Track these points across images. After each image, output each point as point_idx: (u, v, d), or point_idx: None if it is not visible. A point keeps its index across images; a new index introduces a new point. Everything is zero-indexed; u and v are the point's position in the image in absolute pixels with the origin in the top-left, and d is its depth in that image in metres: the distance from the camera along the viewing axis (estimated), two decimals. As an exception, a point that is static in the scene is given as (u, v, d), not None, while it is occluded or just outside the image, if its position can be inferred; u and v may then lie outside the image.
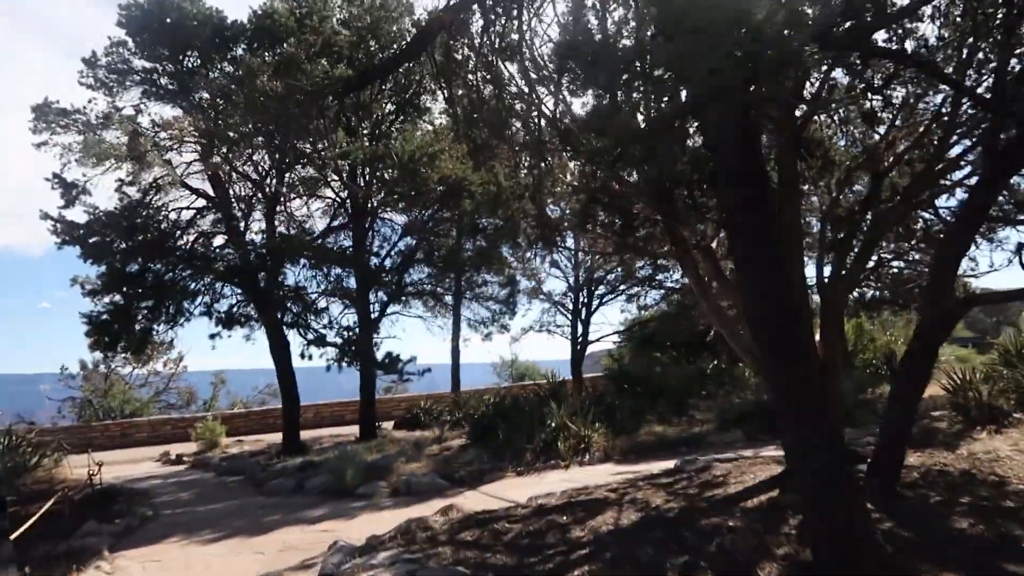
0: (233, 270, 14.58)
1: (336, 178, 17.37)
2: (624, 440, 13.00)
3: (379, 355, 15.30)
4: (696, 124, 7.12)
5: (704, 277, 9.48)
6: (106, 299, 14.51)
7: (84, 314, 14.80)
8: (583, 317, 23.08)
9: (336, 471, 11.69)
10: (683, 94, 6.36)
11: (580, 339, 23.06)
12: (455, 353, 22.37)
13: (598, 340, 24.35)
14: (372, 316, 17.27)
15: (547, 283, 24.86)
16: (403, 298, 17.84)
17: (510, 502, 9.36)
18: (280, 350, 16.31)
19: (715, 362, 24.54)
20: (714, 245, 9.66)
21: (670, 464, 11.06)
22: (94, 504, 12.54)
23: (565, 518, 7.60)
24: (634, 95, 6.99)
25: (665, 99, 6.83)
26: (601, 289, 23.16)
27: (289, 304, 15.34)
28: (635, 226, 9.39)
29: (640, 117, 7.36)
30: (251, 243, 15.24)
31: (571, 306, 23.14)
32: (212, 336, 15.43)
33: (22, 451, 15.85)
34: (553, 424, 12.87)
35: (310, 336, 15.55)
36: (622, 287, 22.87)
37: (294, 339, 15.97)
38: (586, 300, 22.95)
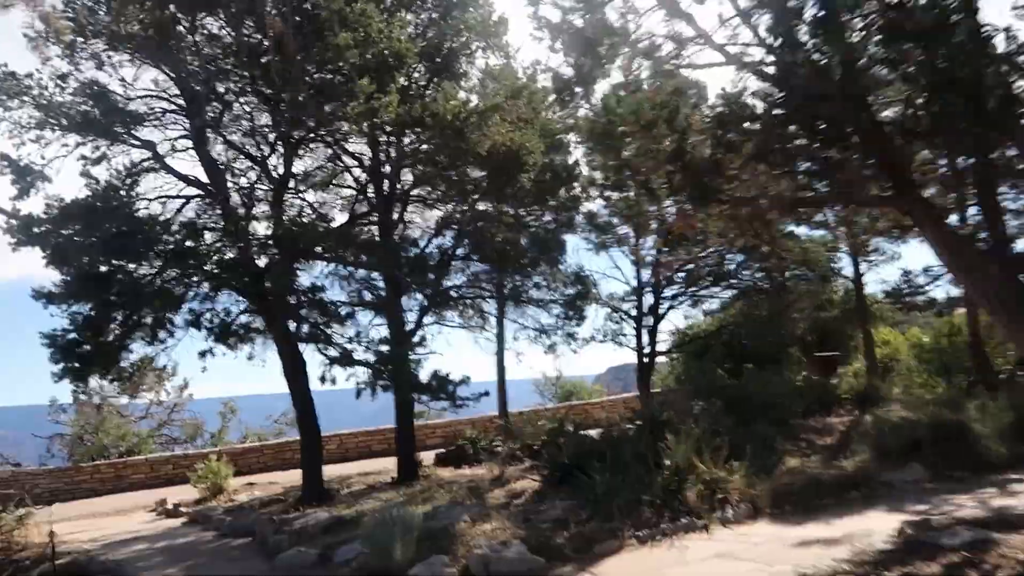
0: (230, 268, 11.16)
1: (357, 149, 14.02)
2: (765, 483, 9.43)
3: (422, 375, 11.85)
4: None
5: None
6: (71, 311, 11.14)
7: (45, 334, 11.45)
8: (649, 324, 19.53)
9: (378, 541, 8.17)
10: None
11: (647, 349, 19.50)
12: (500, 370, 18.85)
13: (671, 351, 20.82)
14: (406, 327, 13.79)
15: (605, 285, 21.15)
16: (443, 304, 14.37)
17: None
18: (294, 372, 12.88)
19: (803, 373, 20.94)
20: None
21: (871, 524, 7.55)
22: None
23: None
24: None
25: None
26: (669, 291, 19.60)
27: (304, 313, 11.93)
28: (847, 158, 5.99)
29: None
30: (254, 236, 11.81)
31: (635, 311, 19.58)
32: (203, 354, 12.02)
33: (-24, 508, 12.54)
34: (670, 463, 9.32)
35: (332, 353, 12.10)
36: (692, 288, 19.32)
37: (312, 358, 12.45)
38: (653, 303, 19.39)
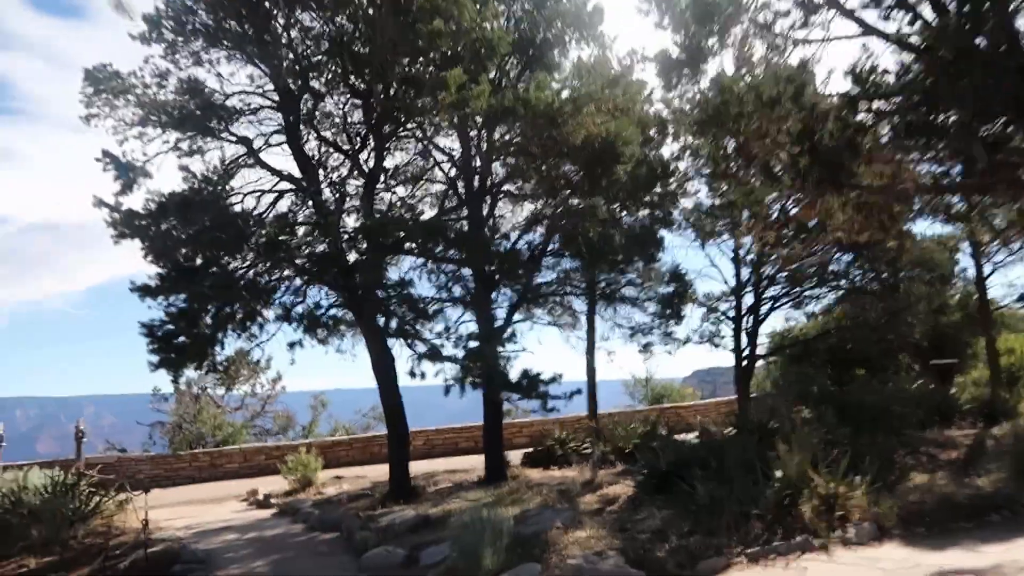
0: (321, 262, 11.04)
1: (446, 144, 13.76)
2: (889, 501, 8.52)
3: (512, 373, 11.41)
4: None
5: None
6: (167, 303, 11.29)
7: (143, 324, 11.64)
8: (749, 325, 18.49)
9: (466, 545, 7.79)
10: None
11: (745, 352, 18.47)
12: (590, 370, 18.23)
13: (771, 354, 19.73)
14: (495, 324, 13.38)
15: (701, 285, 20.24)
16: (534, 301, 13.88)
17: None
18: (383, 367, 12.69)
19: (919, 382, 19.43)
20: None
21: (1021, 554, 6.62)
22: (142, 574, 9.26)
23: None
24: None
25: None
26: (771, 291, 18.51)
27: (393, 307, 11.70)
28: None
29: None
30: (344, 230, 11.65)
31: (733, 312, 18.58)
32: (292, 346, 11.98)
33: (78, 494, 12.93)
34: (782, 475, 8.54)
35: (420, 348, 11.82)
36: (796, 288, 18.16)
37: (401, 353, 12.22)
38: (753, 304, 18.35)
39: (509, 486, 12.36)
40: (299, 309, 11.60)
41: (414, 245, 11.77)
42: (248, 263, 11.49)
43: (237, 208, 11.81)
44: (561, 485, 12.45)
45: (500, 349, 11.58)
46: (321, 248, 10.88)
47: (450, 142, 14.41)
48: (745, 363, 18.47)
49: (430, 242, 11.56)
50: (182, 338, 11.88)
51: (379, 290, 11.72)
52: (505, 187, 13.84)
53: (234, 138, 12.84)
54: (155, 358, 11.86)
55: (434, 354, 11.51)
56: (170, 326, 11.79)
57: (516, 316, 13.64)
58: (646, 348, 15.44)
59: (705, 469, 9.33)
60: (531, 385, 11.10)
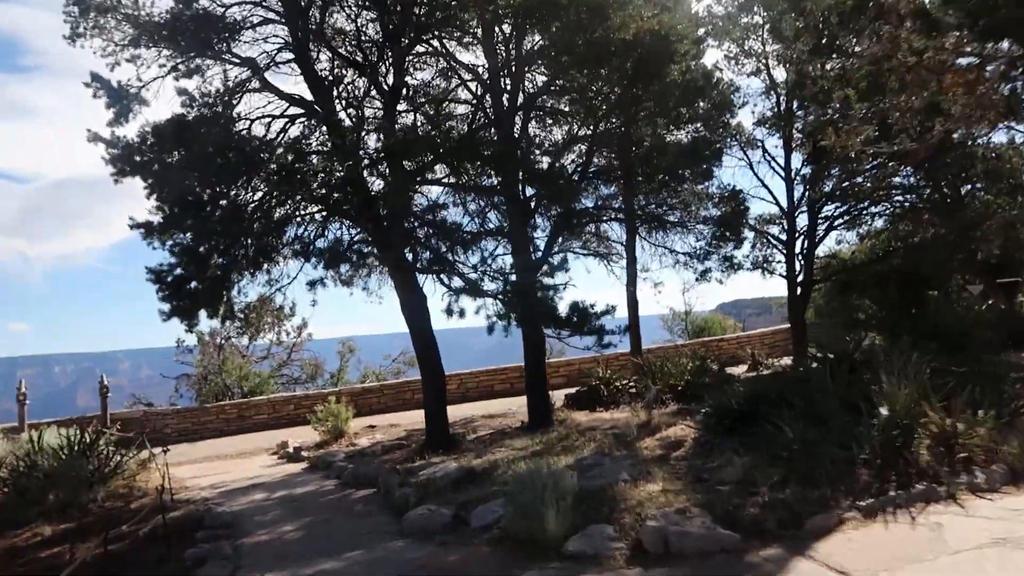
0: (339, 188, 9.72)
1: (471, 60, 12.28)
2: (1016, 438, 7.27)
3: (560, 307, 10.14)
4: None
5: None
6: (172, 243, 10.14)
7: (150, 270, 10.54)
8: (803, 249, 17.03)
9: (522, 505, 6.70)
10: None
11: (799, 278, 17.06)
12: (632, 303, 16.94)
13: (832, 277, 18.29)
14: (534, 254, 12.08)
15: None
16: (579, 226, 12.51)
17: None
18: (414, 306, 11.51)
19: (989, 302, 18.00)
20: None
21: None
22: (163, 541, 8.36)
23: None
24: None
25: None
26: (826, 210, 16.95)
27: (424, 237, 10.45)
28: None
29: None
30: (364, 151, 10.24)
31: (786, 236, 17.10)
32: (312, 284, 10.81)
33: (97, 453, 12.12)
34: (887, 412, 7.30)
35: (456, 283, 10.60)
36: (859, 205, 16.59)
37: (433, 290, 11.03)
38: (808, 225, 16.85)
39: (557, 431, 11.29)
40: (319, 244, 10.41)
41: (444, 167, 10.40)
42: (260, 194, 10.25)
43: (244, 134, 10.50)
44: (614, 429, 11.35)
45: (548, 280, 10.33)
46: (340, 175, 9.56)
47: (474, 57, 12.95)
48: (800, 290, 17.09)
49: (462, 162, 10.19)
50: (194, 283, 10.76)
51: (407, 220, 10.45)
52: (539, 102, 12.36)
53: (237, 60, 11.49)
54: (165, 306, 10.79)
55: (473, 288, 10.29)
56: (179, 271, 10.66)
57: (555, 246, 12.30)
58: (703, 275, 14.09)
59: (788, 407, 8.11)
60: (582, 319, 9.89)
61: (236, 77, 11.42)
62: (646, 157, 10.62)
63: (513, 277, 11.19)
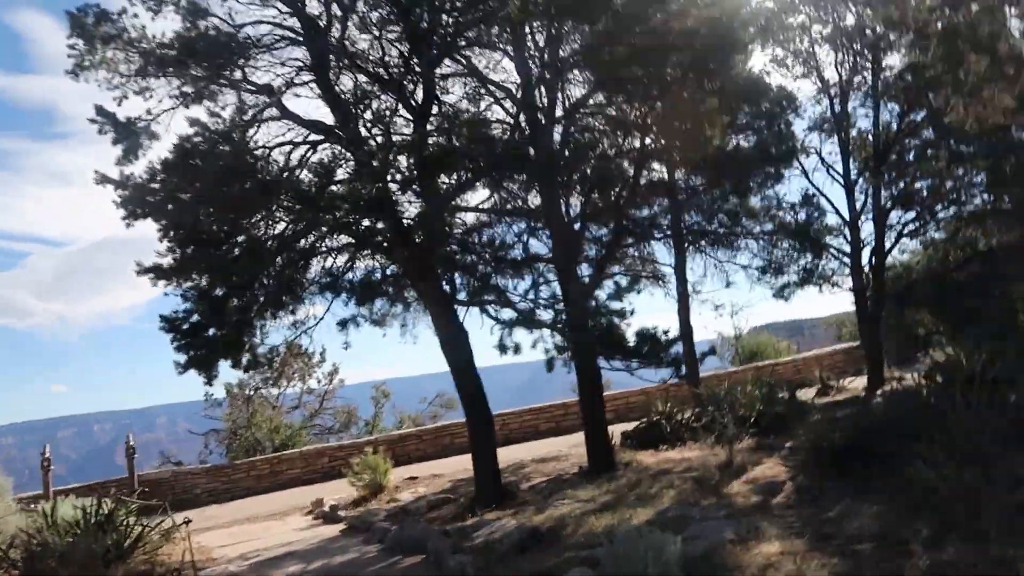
0: (368, 212, 8.55)
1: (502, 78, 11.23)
2: None
3: (627, 334, 8.84)
4: None
5: None
6: (186, 287, 9.09)
7: (164, 318, 9.49)
8: (870, 260, 15.60)
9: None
10: None
11: (868, 291, 15.60)
12: (685, 327, 15.62)
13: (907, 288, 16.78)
14: (581, 276, 10.80)
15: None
16: (642, 237, 11.23)
17: None
18: (456, 343, 10.31)
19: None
20: None
21: None
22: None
23: None
24: None
25: None
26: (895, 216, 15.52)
27: (467, 264, 9.26)
28: None
29: None
30: (395, 168, 9.06)
31: (850, 248, 15.67)
32: (343, 325, 9.66)
33: (116, 525, 10.97)
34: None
35: (505, 315, 9.36)
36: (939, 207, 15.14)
37: (480, 323, 9.84)
38: (876, 235, 15.43)
39: (624, 477, 9.96)
40: (349, 277, 9.26)
41: (484, 183, 9.23)
42: (282, 226, 9.17)
43: (261, 163, 9.47)
44: (690, 471, 10.00)
45: (614, 304, 9.05)
46: (368, 197, 8.45)
47: (506, 74, 11.90)
48: (871, 305, 15.62)
49: (505, 176, 9.03)
50: (212, 330, 9.68)
51: (445, 244, 9.28)
52: (581, 112, 11.21)
53: (253, 87, 10.55)
54: (181, 357, 9.71)
55: (528, 319, 9.04)
56: (195, 317, 9.59)
57: (608, 266, 11.01)
58: (781, 291, 12.70)
59: (918, 440, 6.71)
60: (654, 348, 8.60)
61: (252, 103, 10.44)
62: (714, 162, 9.34)
63: (559, 304, 9.92)
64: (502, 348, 9.67)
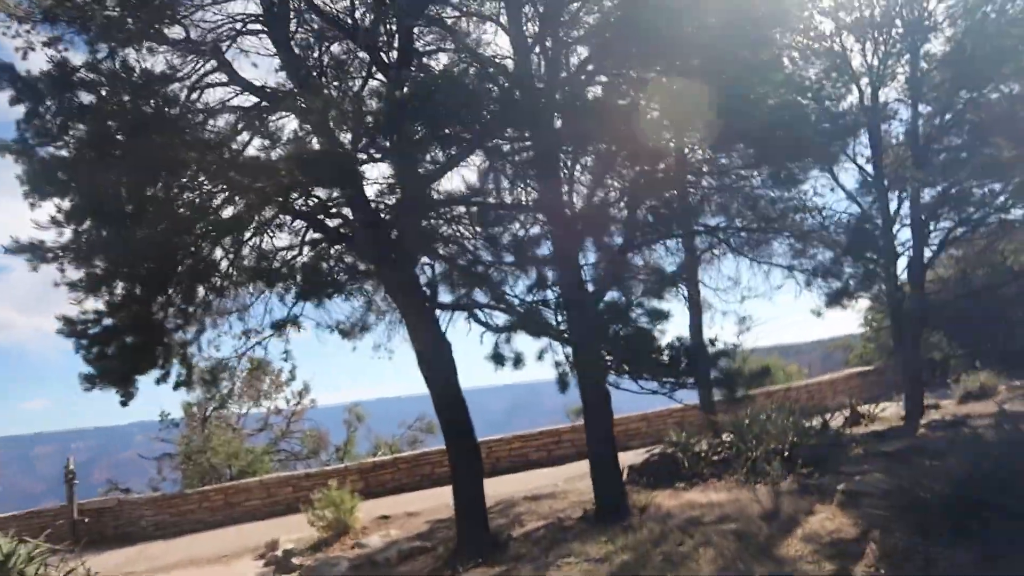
0: (317, 172, 6.47)
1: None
2: None
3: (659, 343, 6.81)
4: None
5: None
6: (85, 273, 7.05)
7: (65, 320, 7.43)
8: (907, 271, 13.78)
9: None
10: None
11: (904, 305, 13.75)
12: (697, 342, 13.60)
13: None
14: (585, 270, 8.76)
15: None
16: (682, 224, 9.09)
17: None
18: (436, 357, 8.29)
19: None
20: None
21: None
22: None
23: None
24: None
25: None
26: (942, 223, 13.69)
27: (443, 248, 7.22)
28: None
29: None
30: (354, 118, 6.92)
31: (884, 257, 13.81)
32: (279, 326, 7.57)
33: (11, 568, 8.83)
34: None
35: (498, 321, 7.35)
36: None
37: (460, 335, 7.83)
38: (913, 242, 13.63)
39: (646, 528, 7.90)
40: (287, 256, 7.20)
41: (479, 134, 7.12)
42: (207, 192, 7.09)
43: (187, 117, 7.45)
44: (725, 521, 8.00)
45: (652, 303, 7.05)
46: (318, 154, 6.43)
47: (497, 49, 9.96)
48: (911, 322, 13.75)
49: (506, 128, 6.97)
50: (128, 336, 7.63)
51: (421, 217, 7.22)
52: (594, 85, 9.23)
53: (191, 42, 8.54)
54: (90, 369, 7.65)
55: (532, 321, 6.98)
56: (108, 319, 7.54)
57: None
58: (836, 297, 10.73)
59: None
60: (695, 363, 6.61)
61: (189, 60, 8.44)
62: (761, 137, 7.38)
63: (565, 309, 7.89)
64: (497, 359, 7.67)
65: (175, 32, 8.48)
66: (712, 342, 6.94)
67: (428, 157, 6.91)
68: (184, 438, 18.95)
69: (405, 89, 6.24)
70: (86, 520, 16.02)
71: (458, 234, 7.85)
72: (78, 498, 16.28)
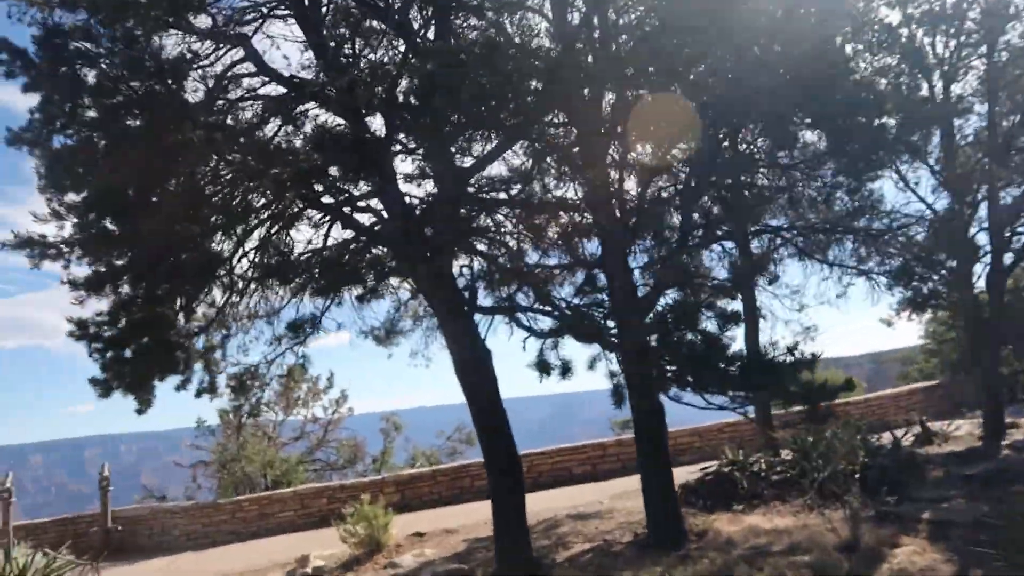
0: (336, 151, 5.80)
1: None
2: None
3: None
4: None
5: None
6: (92, 268, 6.55)
7: (75, 322, 6.94)
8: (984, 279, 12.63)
9: None
10: None
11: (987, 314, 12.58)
12: (752, 348, 12.65)
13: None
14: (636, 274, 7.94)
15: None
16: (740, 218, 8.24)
17: None
18: (474, 364, 7.60)
19: None
20: None
21: None
22: None
23: None
24: None
25: None
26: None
27: (480, 243, 6.54)
28: None
29: None
30: (387, 88, 6.16)
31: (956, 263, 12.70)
32: (294, 328, 6.94)
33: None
34: None
35: (544, 324, 6.62)
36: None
37: (500, 342, 7.08)
38: (992, 246, 12.48)
39: (707, 559, 7.07)
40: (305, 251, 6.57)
41: (520, 116, 6.34)
42: (220, 184, 6.53)
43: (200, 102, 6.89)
44: (796, 552, 7.11)
45: (723, 304, 6.22)
46: (340, 131, 5.83)
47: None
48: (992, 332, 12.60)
49: (549, 107, 6.22)
50: (144, 337, 7.10)
51: (458, 205, 6.53)
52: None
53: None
54: (103, 375, 7.13)
55: (583, 325, 6.21)
56: (123, 321, 7.03)
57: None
58: (922, 304, 9.73)
59: None
60: (789, 373, 5.72)
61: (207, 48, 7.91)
62: (836, 128, 6.47)
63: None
64: (542, 367, 6.92)
65: (201, 21, 8.00)
66: (791, 351, 6.11)
67: (462, 142, 6.24)
68: (219, 445, 18.58)
69: (437, 62, 5.63)
70: (119, 528, 15.74)
71: (498, 227, 7.14)
72: (119, 503, 16.05)
